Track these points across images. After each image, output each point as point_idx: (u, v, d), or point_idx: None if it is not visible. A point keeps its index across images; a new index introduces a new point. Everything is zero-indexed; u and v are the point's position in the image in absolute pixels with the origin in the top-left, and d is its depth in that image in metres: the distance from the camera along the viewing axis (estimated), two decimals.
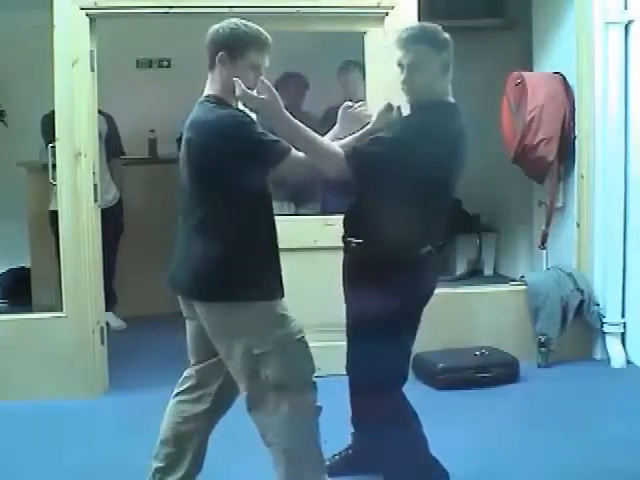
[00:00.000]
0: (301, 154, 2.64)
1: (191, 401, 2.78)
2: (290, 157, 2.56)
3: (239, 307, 2.56)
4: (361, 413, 2.97)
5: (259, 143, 2.53)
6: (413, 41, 2.72)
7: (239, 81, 2.53)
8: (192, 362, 2.82)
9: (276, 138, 2.56)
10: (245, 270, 2.57)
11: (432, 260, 2.82)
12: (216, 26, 2.63)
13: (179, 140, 2.67)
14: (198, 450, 2.79)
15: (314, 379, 2.66)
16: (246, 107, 2.68)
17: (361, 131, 2.89)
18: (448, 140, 2.71)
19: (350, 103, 2.90)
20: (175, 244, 2.73)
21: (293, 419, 2.60)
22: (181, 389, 2.81)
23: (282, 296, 2.66)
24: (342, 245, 2.94)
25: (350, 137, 2.84)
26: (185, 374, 2.83)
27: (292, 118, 2.61)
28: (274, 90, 2.56)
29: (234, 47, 2.58)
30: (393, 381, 2.84)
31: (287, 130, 2.60)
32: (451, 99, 2.81)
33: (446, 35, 2.77)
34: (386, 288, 2.65)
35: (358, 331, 2.82)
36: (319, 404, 2.66)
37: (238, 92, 2.54)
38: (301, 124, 2.62)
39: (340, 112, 2.90)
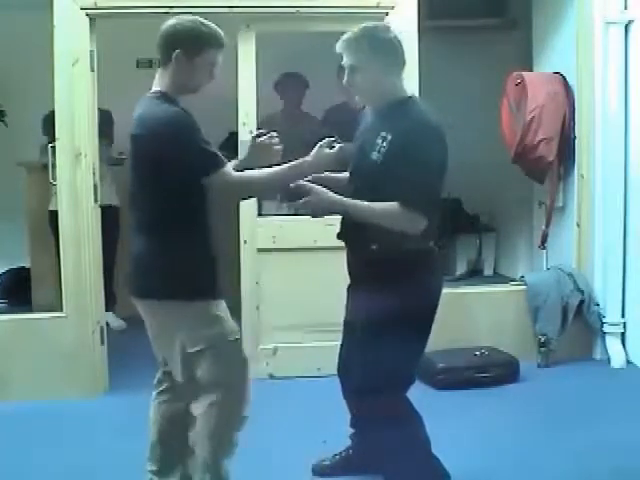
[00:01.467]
0: (237, 174, 2.59)
1: (170, 401, 2.78)
2: (223, 172, 2.52)
3: (175, 305, 2.56)
4: (366, 413, 2.91)
5: (197, 148, 2.50)
6: (350, 44, 2.71)
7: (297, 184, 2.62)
8: (160, 362, 2.82)
9: (214, 150, 2.54)
10: (181, 269, 2.56)
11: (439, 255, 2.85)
12: (171, 22, 2.60)
13: None
14: (189, 448, 2.78)
15: (248, 387, 2.66)
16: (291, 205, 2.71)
17: (299, 162, 2.74)
18: (440, 129, 2.70)
19: (262, 131, 2.83)
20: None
21: (219, 422, 2.61)
22: (159, 390, 2.81)
23: (219, 297, 2.64)
24: (343, 246, 2.91)
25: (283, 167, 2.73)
26: (158, 375, 2.82)
27: (344, 199, 2.66)
28: (316, 188, 2.65)
29: (193, 45, 2.55)
30: (404, 382, 2.81)
31: (353, 212, 2.65)
32: (407, 94, 2.79)
33: (390, 35, 2.73)
34: (411, 286, 2.66)
35: (376, 332, 2.70)
36: (246, 414, 2.66)
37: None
38: (356, 201, 2.66)
39: (250, 141, 2.82)
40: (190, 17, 2.60)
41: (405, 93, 2.78)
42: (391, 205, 2.59)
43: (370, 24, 2.79)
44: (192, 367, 2.59)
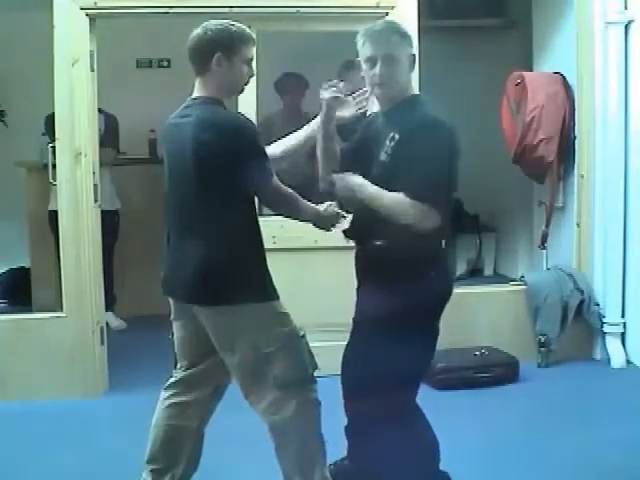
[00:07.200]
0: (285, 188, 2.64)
1: (182, 404, 2.75)
2: (274, 182, 2.59)
3: (244, 309, 2.55)
4: (362, 417, 2.75)
5: (262, 157, 2.57)
6: (388, 33, 2.67)
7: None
8: (181, 365, 2.79)
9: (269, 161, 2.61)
10: (246, 272, 2.58)
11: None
12: (199, 30, 2.62)
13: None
14: (192, 451, 2.77)
15: (314, 373, 2.67)
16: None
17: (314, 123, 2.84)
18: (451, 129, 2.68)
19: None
20: (167, 247, 2.71)
21: (300, 417, 2.60)
22: (172, 392, 2.78)
23: (278, 297, 2.66)
24: (345, 246, 2.88)
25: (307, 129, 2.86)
26: (175, 377, 2.80)
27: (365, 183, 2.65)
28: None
29: (229, 46, 2.59)
30: (409, 385, 2.71)
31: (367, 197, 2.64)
32: (415, 92, 2.82)
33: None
34: (415, 285, 2.59)
35: (378, 331, 2.63)
36: (319, 398, 2.67)
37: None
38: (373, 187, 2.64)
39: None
40: (215, 21, 2.64)
41: (414, 91, 2.80)
42: (398, 195, 2.54)
43: (388, 19, 2.79)
44: (265, 369, 2.57)
